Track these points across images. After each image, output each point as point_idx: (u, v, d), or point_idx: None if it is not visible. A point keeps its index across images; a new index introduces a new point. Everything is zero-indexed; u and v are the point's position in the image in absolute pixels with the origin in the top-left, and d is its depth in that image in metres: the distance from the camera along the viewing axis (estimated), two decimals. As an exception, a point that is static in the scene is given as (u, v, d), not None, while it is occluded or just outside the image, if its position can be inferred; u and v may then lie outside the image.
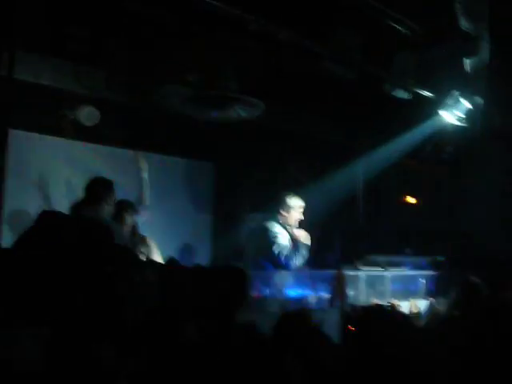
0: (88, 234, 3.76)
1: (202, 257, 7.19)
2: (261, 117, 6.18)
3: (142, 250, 4.67)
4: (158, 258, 4.97)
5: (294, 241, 5.61)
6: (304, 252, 5.55)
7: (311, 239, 5.67)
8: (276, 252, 5.45)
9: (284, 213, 5.71)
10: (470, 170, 7.80)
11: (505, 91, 6.45)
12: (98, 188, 4.49)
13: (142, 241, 4.83)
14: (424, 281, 5.77)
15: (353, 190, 8.14)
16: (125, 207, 4.98)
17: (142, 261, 4.40)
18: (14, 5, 4.15)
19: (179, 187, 7.29)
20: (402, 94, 6.45)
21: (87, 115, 5.93)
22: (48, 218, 3.56)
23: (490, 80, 6.15)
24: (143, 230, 5.33)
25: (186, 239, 7.16)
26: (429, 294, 5.64)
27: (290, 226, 5.69)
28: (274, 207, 5.79)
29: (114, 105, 6.07)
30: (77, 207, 4.38)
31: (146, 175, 5.37)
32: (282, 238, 5.57)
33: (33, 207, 3.97)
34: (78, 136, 6.07)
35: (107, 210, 4.65)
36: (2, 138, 4.21)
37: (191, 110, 6.06)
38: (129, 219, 5.00)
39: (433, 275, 5.86)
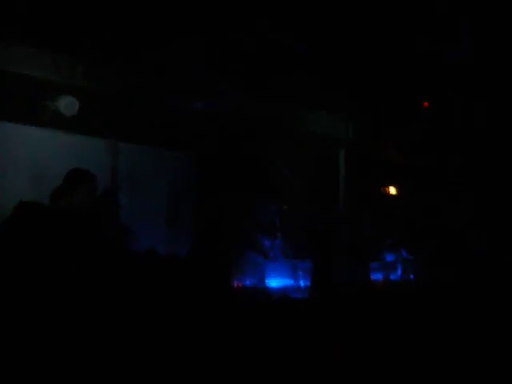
0: (64, 226, 3.76)
1: (184, 248, 7.17)
2: (241, 106, 6.18)
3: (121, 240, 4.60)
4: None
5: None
6: None
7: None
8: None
9: None
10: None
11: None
12: (73, 178, 4.36)
13: (122, 232, 4.76)
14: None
15: (334, 180, 8.17)
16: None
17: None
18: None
19: (159, 178, 7.25)
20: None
21: (67, 105, 5.88)
22: (25, 209, 3.55)
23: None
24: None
25: (167, 230, 7.14)
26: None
27: None
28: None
29: (94, 94, 6.02)
30: (54, 197, 4.29)
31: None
32: None
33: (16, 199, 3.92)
34: (58, 125, 6.01)
35: (83, 200, 4.51)
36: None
37: (172, 101, 6.06)
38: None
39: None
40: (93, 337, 3.35)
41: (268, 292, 4.98)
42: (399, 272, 5.96)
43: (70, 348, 3.24)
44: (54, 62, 5.14)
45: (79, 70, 5.56)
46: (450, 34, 6.03)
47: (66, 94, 5.77)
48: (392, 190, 8.28)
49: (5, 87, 4.98)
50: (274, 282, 5.14)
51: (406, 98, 7.08)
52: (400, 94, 6.95)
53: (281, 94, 6.98)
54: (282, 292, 5.04)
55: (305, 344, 4.46)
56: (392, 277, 5.92)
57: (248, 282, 5.04)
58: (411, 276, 6.00)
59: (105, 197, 4.81)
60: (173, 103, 6.25)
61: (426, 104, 7.07)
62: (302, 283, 5.23)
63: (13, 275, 3.26)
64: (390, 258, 6.12)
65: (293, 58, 6.48)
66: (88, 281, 3.52)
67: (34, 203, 3.65)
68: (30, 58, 5.22)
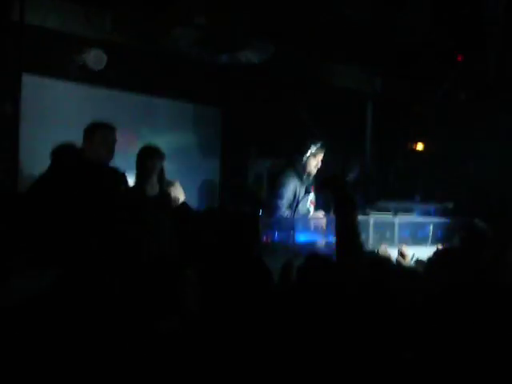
0: (101, 180, 3.79)
1: (212, 202, 7.21)
2: (271, 61, 6.10)
3: (171, 193, 4.60)
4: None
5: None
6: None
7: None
8: (275, 204, 5.46)
9: (302, 159, 5.63)
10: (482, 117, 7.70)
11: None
12: (112, 133, 4.36)
13: (170, 184, 4.74)
14: (432, 227, 5.75)
15: (361, 135, 8.11)
16: (148, 152, 4.84)
17: (155, 205, 4.40)
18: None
19: (187, 132, 7.26)
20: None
21: (95, 59, 5.86)
22: (62, 161, 3.58)
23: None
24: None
25: (194, 184, 7.16)
26: (437, 240, 5.64)
27: (306, 175, 5.66)
28: (291, 153, 5.72)
29: (122, 48, 5.99)
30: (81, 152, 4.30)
31: None
32: (288, 191, 5.55)
33: (47, 152, 3.94)
34: (86, 79, 6.00)
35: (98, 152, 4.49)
36: (15, 84, 4.18)
37: (200, 53, 5.99)
38: (155, 164, 4.85)
39: (441, 222, 5.85)
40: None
41: (297, 247, 4.99)
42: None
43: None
44: (86, 14, 5.09)
45: (108, 22, 5.51)
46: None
47: (94, 47, 5.76)
48: (420, 146, 8.19)
49: (33, 41, 4.94)
50: (302, 237, 5.15)
51: (437, 52, 6.92)
52: (431, 47, 6.79)
53: (308, 47, 6.89)
54: (311, 247, 5.04)
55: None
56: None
57: (277, 237, 5.05)
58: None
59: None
60: (200, 56, 6.19)
61: (459, 57, 6.90)
62: (330, 239, 5.22)
63: (47, 225, 3.30)
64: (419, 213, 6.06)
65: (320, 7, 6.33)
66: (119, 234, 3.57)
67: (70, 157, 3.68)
68: (59, 11, 5.18)
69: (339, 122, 7.42)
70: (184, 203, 4.10)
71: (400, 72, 7.51)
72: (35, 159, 4.37)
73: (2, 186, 4.33)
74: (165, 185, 4.38)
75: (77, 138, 4.26)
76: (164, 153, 4.79)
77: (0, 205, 3.45)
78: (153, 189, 4.63)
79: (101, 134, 4.19)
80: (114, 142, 4.29)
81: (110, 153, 4.24)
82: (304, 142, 5.70)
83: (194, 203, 6.74)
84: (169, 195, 3.99)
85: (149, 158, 4.69)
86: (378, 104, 8.11)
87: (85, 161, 4.01)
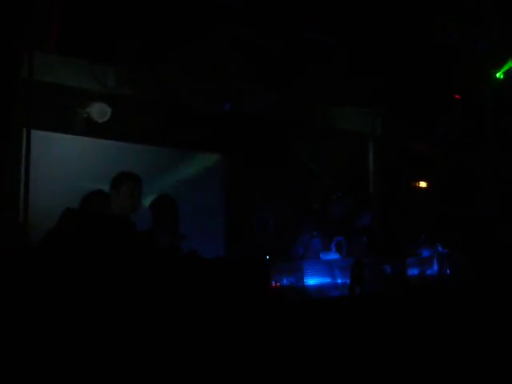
0: (110, 232, 3.81)
1: (218, 248, 7.21)
2: (267, 107, 6.21)
3: (181, 243, 4.63)
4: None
5: None
6: None
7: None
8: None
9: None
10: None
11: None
12: (117, 178, 4.39)
13: (182, 235, 4.79)
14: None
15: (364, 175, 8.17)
16: (161, 203, 4.87)
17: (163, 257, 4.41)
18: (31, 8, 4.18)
19: (191, 179, 7.30)
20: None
21: (99, 112, 5.96)
22: (71, 216, 3.61)
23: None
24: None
25: (200, 230, 7.17)
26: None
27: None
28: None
29: (125, 100, 6.09)
30: (95, 201, 4.33)
31: None
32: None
33: (57, 205, 3.97)
34: (90, 133, 6.09)
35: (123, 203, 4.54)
36: (26, 139, 4.26)
37: (201, 104, 6.10)
38: (168, 215, 4.87)
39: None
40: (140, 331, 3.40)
41: (306, 290, 4.98)
42: (435, 267, 5.93)
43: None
44: (92, 71, 5.20)
45: (111, 76, 5.62)
46: (477, 25, 6.00)
47: (98, 100, 5.86)
48: (423, 184, 8.25)
49: (40, 96, 5.04)
50: (311, 281, 5.15)
51: (435, 92, 7.05)
52: (429, 87, 6.91)
53: (307, 92, 7.00)
54: (320, 290, 5.04)
55: (343, 342, 4.48)
56: (428, 272, 5.89)
57: (286, 281, 5.04)
58: (447, 271, 5.97)
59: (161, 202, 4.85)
60: (201, 105, 6.30)
61: (457, 96, 7.03)
62: (339, 281, 5.22)
63: (64, 278, 3.32)
64: (425, 253, 6.09)
65: (318, 56, 6.48)
66: (133, 281, 3.58)
67: (79, 210, 3.72)
68: (66, 67, 5.30)
69: (342, 164, 7.49)
70: (194, 252, 4.13)
71: (399, 113, 7.62)
72: (45, 211, 4.41)
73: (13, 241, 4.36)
74: (178, 237, 4.43)
75: (85, 189, 4.32)
76: (177, 204, 4.82)
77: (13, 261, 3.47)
78: (165, 240, 4.63)
79: (127, 185, 4.20)
80: (140, 193, 4.29)
81: (137, 204, 4.24)
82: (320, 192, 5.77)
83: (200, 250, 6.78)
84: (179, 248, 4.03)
85: (162, 210, 4.73)
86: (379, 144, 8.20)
87: (103, 213, 4.04)
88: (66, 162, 5.74)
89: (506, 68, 6.32)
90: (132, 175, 4.22)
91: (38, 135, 5.00)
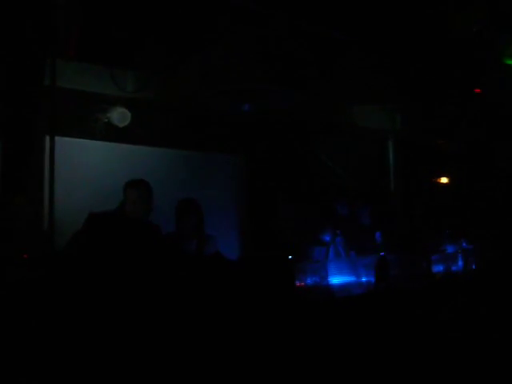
0: (134, 236, 3.84)
1: (240, 249, 7.22)
2: (291, 107, 6.20)
3: (207, 246, 4.67)
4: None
5: None
6: None
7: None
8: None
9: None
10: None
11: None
12: (138, 190, 4.48)
13: (207, 238, 4.82)
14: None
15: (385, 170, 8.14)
16: (185, 207, 4.92)
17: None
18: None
19: (212, 182, 7.32)
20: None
21: (119, 116, 6.00)
22: (96, 220, 3.65)
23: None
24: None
25: (222, 231, 7.19)
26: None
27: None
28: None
29: (145, 104, 6.13)
30: (120, 209, 4.40)
31: None
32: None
33: (81, 212, 4.03)
34: (111, 137, 6.13)
35: (148, 210, 4.64)
36: (50, 146, 4.31)
37: (222, 105, 6.11)
38: (192, 219, 4.92)
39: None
40: (160, 335, 3.43)
41: (330, 289, 4.98)
42: (460, 263, 5.89)
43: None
44: (112, 76, 5.25)
45: (131, 81, 5.67)
46: (502, 21, 5.94)
47: (119, 105, 5.90)
48: (445, 180, 8.19)
49: (61, 103, 5.09)
50: (335, 279, 5.14)
51: (456, 86, 6.98)
52: (450, 81, 6.85)
53: (327, 91, 6.98)
54: (345, 289, 5.03)
55: (369, 339, 4.47)
56: (453, 268, 5.85)
57: (310, 281, 5.04)
58: (473, 266, 5.93)
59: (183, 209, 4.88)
60: (220, 107, 6.31)
61: (477, 90, 6.96)
62: (363, 279, 5.21)
63: (89, 282, 3.35)
64: (450, 249, 6.05)
65: (336, 54, 6.46)
66: (156, 283, 3.60)
67: (102, 214, 3.75)
68: (86, 74, 5.35)
69: (362, 162, 7.46)
70: (218, 253, 4.14)
71: (419, 109, 7.58)
72: (70, 216, 4.46)
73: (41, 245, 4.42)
74: (204, 239, 4.46)
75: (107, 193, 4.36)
76: (201, 207, 4.86)
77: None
78: (190, 243, 4.67)
79: (132, 191, 4.32)
80: (145, 199, 4.37)
81: (141, 209, 4.31)
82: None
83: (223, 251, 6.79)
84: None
85: (185, 214, 4.77)
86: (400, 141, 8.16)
87: (121, 217, 4.10)
88: (88, 168, 5.78)
89: None
90: (134, 183, 4.36)
91: (61, 142, 5.04)
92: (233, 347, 3.69)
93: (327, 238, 5.61)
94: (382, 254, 5.01)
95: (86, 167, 5.75)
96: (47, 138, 4.68)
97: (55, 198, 4.29)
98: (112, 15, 4.59)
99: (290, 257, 5.70)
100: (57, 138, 4.54)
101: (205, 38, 5.60)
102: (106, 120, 5.99)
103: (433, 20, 5.77)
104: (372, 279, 5.00)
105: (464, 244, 6.15)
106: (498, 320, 5.10)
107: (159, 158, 6.41)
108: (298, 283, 4.93)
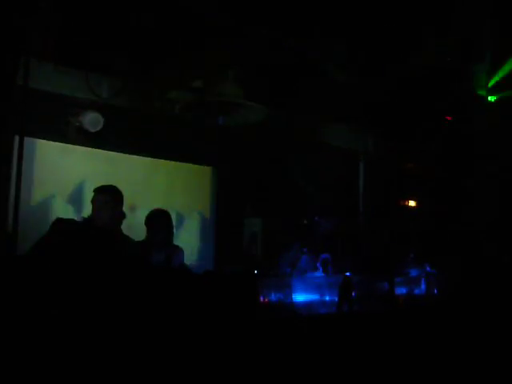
0: (98, 243, 3.80)
1: (207, 261, 7.20)
2: (262, 122, 6.23)
3: (174, 257, 4.65)
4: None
5: None
6: None
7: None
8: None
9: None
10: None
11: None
12: (102, 196, 4.43)
13: (175, 249, 4.80)
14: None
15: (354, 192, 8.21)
16: (155, 216, 4.90)
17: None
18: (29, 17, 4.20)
19: (181, 191, 7.31)
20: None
21: (91, 121, 5.94)
22: (61, 226, 3.59)
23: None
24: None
25: (189, 243, 7.17)
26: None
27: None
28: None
29: (118, 111, 6.09)
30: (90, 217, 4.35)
31: None
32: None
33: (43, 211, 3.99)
34: (82, 142, 6.08)
35: (114, 217, 4.59)
36: (19, 146, 4.25)
37: (194, 117, 6.12)
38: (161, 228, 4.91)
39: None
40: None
41: (294, 307, 4.99)
42: (423, 286, 5.96)
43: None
44: (87, 81, 5.21)
45: (106, 86, 5.63)
46: (472, 49, 6.08)
47: (92, 110, 5.85)
48: (412, 203, 8.30)
49: (34, 105, 5.03)
50: (299, 297, 5.16)
51: (425, 111, 7.11)
52: (420, 107, 6.98)
53: (299, 108, 7.03)
54: (308, 307, 5.05)
55: (332, 359, 4.48)
56: (416, 291, 5.92)
57: (274, 297, 5.05)
58: (435, 290, 6.00)
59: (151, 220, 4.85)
60: (194, 118, 6.31)
61: (448, 118, 7.11)
62: (327, 298, 5.24)
63: (51, 287, 3.29)
64: (413, 272, 6.12)
65: (310, 71, 6.53)
66: (115, 291, 3.56)
67: (70, 219, 3.70)
68: (61, 76, 5.30)
69: (332, 181, 7.52)
70: (184, 265, 4.12)
71: (391, 131, 7.68)
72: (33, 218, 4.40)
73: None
74: (171, 251, 4.44)
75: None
76: (170, 217, 4.84)
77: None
78: (159, 253, 4.63)
79: (96, 197, 4.29)
80: (110, 204, 4.31)
81: (110, 215, 4.27)
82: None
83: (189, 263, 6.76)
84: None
85: (156, 225, 4.74)
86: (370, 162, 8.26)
87: (84, 223, 4.05)
88: (60, 172, 5.73)
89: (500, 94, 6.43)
90: (98, 189, 4.30)
91: (30, 143, 4.99)
92: (190, 361, 3.66)
93: (293, 256, 5.62)
94: (347, 274, 5.03)
95: (65, 171, 5.69)
96: (16, 138, 4.62)
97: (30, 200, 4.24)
98: (90, 19, 4.58)
99: (256, 271, 5.73)
100: (37, 141, 4.48)
101: (180, 48, 5.61)
102: (78, 124, 5.93)
103: (409, 46, 5.88)
104: (336, 299, 5.02)
105: (428, 268, 6.22)
106: (459, 345, 5.16)
107: (130, 166, 6.39)
108: (262, 299, 4.94)
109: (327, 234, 7.21)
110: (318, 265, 5.80)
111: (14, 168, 4.60)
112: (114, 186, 4.45)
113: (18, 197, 4.13)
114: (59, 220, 3.64)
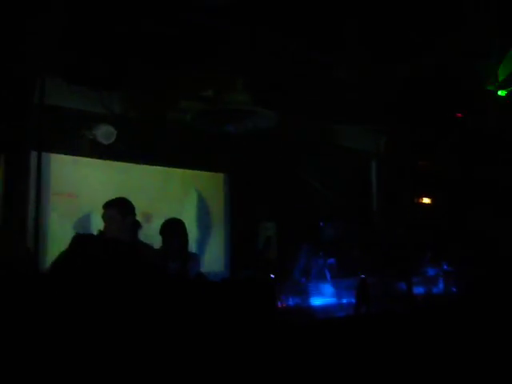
0: (117, 257, 3.85)
1: (223, 267, 7.24)
2: (273, 127, 6.26)
3: (190, 265, 4.70)
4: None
5: None
6: None
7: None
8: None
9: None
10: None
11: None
12: (109, 210, 4.49)
13: (191, 257, 4.86)
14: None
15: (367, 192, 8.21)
16: (176, 226, 4.96)
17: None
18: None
19: (194, 199, 7.36)
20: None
21: (105, 134, 6.02)
22: (81, 241, 3.65)
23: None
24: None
25: (203, 250, 7.22)
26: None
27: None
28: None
29: (131, 122, 6.16)
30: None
31: None
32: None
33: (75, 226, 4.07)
34: (96, 154, 6.16)
35: (128, 228, 4.63)
36: (38, 163, 4.32)
37: (205, 125, 6.16)
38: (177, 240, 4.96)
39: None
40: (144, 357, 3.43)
41: (312, 311, 5.01)
42: (441, 285, 5.95)
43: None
44: (99, 96, 5.28)
45: (118, 101, 5.71)
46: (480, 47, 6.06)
47: (104, 123, 5.93)
48: (428, 201, 8.28)
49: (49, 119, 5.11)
50: (317, 301, 5.17)
51: (437, 109, 7.09)
52: (432, 104, 6.95)
53: (310, 111, 7.05)
54: (326, 311, 5.06)
55: (351, 362, 4.49)
56: (434, 290, 5.91)
57: (291, 302, 5.06)
58: (453, 289, 5.98)
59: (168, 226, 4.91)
60: (206, 126, 6.35)
61: (459, 115, 7.09)
62: (344, 301, 5.24)
63: (71, 303, 3.35)
64: (431, 271, 6.11)
65: (319, 74, 6.53)
66: (139, 306, 3.61)
67: (88, 234, 3.77)
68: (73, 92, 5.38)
69: (345, 183, 7.53)
70: (201, 274, 4.16)
71: (403, 131, 7.67)
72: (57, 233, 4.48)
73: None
74: (187, 259, 4.48)
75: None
76: (185, 226, 4.89)
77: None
78: (175, 262, 4.68)
79: (104, 212, 4.38)
80: (118, 217, 4.39)
81: (119, 227, 4.33)
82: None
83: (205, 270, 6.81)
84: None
85: (170, 235, 4.80)
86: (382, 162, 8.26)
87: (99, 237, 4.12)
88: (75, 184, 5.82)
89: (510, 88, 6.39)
90: (106, 203, 4.39)
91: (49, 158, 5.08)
92: (212, 369, 3.69)
93: (308, 259, 5.64)
94: (362, 276, 5.04)
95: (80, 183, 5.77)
96: (34, 154, 4.70)
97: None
98: (99, 36, 4.63)
99: (272, 276, 5.75)
100: (51, 155, 4.55)
101: (187, 60, 5.65)
102: (92, 137, 6.01)
103: (417, 43, 5.87)
104: (353, 301, 5.03)
105: (445, 266, 6.21)
106: (480, 343, 5.15)
107: (146, 176, 6.45)
108: (279, 304, 4.96)
109: (341, 236, 7.23)
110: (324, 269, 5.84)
111: (31, 183, 4.69)
112: (122, 199, 4.51)
113: (37, 213, 4.20)
114: (78, 235, 3.71)
